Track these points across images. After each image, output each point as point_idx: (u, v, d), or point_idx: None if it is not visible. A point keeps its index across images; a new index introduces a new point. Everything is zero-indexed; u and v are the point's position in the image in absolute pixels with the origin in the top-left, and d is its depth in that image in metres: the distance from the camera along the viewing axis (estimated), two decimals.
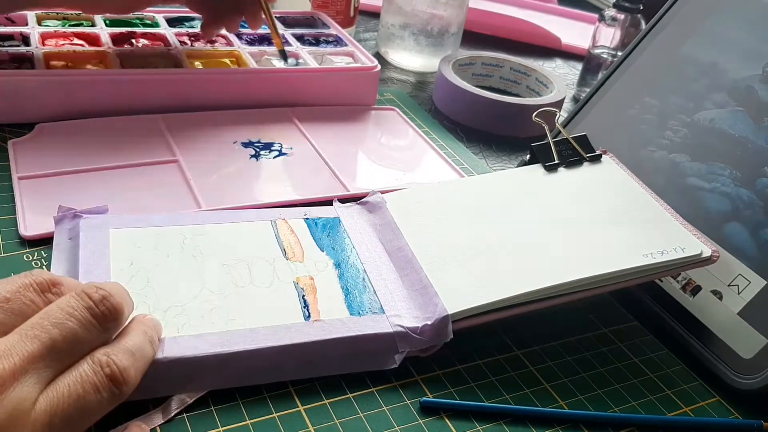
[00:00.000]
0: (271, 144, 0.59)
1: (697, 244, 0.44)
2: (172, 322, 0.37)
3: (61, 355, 0.28)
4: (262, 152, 0.57)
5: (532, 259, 0.43)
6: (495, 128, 0.70)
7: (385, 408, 0.38)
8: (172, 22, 0.71)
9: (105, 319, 0.30)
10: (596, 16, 0.84)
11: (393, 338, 0.39)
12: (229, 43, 0.68)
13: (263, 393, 0.37)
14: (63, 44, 0.63)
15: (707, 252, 0.44)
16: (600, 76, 0.76)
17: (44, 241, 0.44)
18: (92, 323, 0.30)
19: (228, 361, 0.36)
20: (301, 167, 0.57)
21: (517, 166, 0.62)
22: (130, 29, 0.67)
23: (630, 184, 0.50)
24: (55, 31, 0.64)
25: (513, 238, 0.45)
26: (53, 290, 0.31)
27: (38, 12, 0.67)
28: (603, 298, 0.48)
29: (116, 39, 0.65)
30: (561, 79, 0.79)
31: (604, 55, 0.80)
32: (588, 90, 0.68)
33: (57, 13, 0.68)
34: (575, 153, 0.52)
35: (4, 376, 0.26)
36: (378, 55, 0.84)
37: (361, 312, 0.40)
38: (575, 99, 0.82)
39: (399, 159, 0.62)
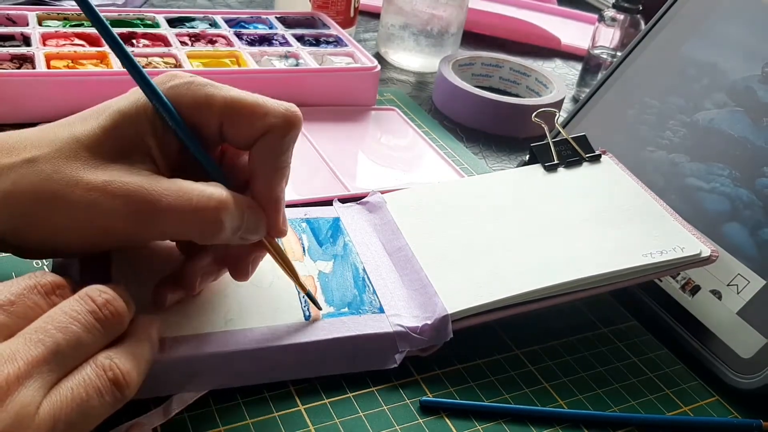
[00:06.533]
0: None
1: (697, 244, 0.44)
2: (173, 322, 0.37)
3: (64, 359, 0.28)
4: None
5: (531, 258, 0.43)
6: (495, 128, 0.70)
7: (385, 408, 0.38)
8: (173, 22, 0.71)
9: (108, 323, 0.30)
10: (596, 16, 0.84)
11: (393, 338, 0.39)
12: (230, 44, 0.68)
13: (263, 393, 0.37)
14: (64, 44, 0.63)
15: (706, 252, 0.44)
16: (599, 76, 0.76)
17: None
18: (96, 327, 0.30)
19: (228, 361, 0.36)
20: (301, 167, 0.57)
21: (517, 166, 0.62)
22: (130, 29, 0.67)
23: (629, 184, 0.50)
24: (56, 32, 0.64)
25: (513, 238, 0.45)
26: (57, 292, 0.31)
27: (39, 12, 0.67)
28: (603, 297, 0.48)
29: None
30: (561, 79, 0.79)
31: (604, 56, 0.81)
32: (587, 90, 0.68)
33: (57, 14, 0.68)
34: (575, 153, 0.52)
35: (9, 381, 0.26)
36: (378, 55, 0.84)
37: (361, 312, 0.40)
38: (575, 99, 0.82)
39: (399, 159, 0.62)
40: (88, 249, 0.35)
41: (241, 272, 0.38)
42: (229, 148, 0.38)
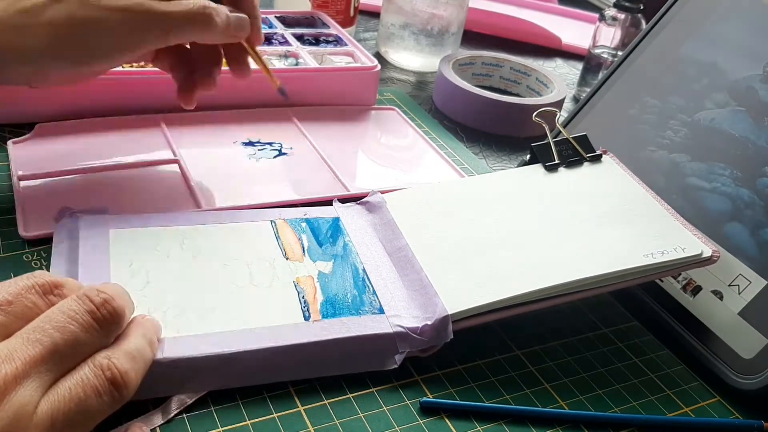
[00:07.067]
0: (271, 144, 0.59)
1: (698, 244, 0.44)
2: (172, 322, 0.37)
3: (62, 358, 0.28)
4: (262, 152, 0.57)
5: (532, 259, 0.43)
6: (495, 128, 0.70)
7: (385, 408, 0.37)
8: None
9: (106, 323, 0.30)
10: (596, 15, 0.84)
11: (393, 338, 0.39)
12: None
13: (263, 393, 0.37)
14: None
15: (707, 252, 0.44)
16: (600, 75, 0.76)
17: (44, 241, 0.44)
18: (93, 327, 0.30)
19: (228, 361, 0.36)
20: (301, 167, 0.57)
21: (517, 166, 0.62)
22: None
23: (630, 184, 0.50)
24: None
25: (513, 238, 0.45)
26: (55, 292, 0.31)
27: None
28: (603, 298, 0.48)
29: None
30: (561, 78, 0.79)
31: (605, 55, 0.80)
32: (588, 90, 0.68)
33: None
34: (575, 153, 0.52)
35: (7, 381, 0.26)
36: (378, 55, 0.84)
37: (360, 312, 0.40)
38: (575, 99, 0.82)
39: (399, 159, 0.62)
40: (117, 58, 0.43)
41: (241, 68, 0.50)
42: None
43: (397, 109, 0.69)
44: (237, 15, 0.46)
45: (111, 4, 0.40)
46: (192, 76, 0.49)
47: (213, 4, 0.44)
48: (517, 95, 0.77)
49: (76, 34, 0.40)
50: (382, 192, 0.50)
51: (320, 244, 0.45)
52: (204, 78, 0.49)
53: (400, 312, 0.41)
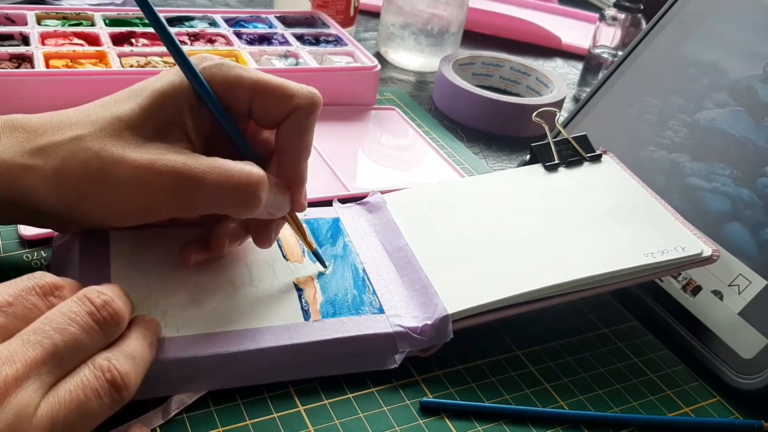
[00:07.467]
0: None
1: (698, 244, 0.44)
2: (172, 322, 0.37)
3: (62, 360, 0.28)
4: None
5: (532, 258, 0.43)
6: (495, 128, 0.70)
7: (385, 408, 0.37)
8: (172, 21, 0.71)
9: (106, 324, 0.30)
10: (597, 15, 0.84)
11: (393, 338, 0.39)
12: (229, 43, 0.68)
13: (263, 393, 0.37)
14: (63, 44, 0.63)
15: (707, 251, 0.44)
16: (600, 75, 0.76)
17: (44, 241, 0.44)
18: (94, 328, 0.30)
19: (228, 361, 0.36)
20: None
21: (517, 166, 0.62)
22: (129, 29, 0.67)
23: (630, 184, 0.50)
24: (55, 31, 0.64)
25: (513, 238, 0.45)
26: (55, 293, 0.31)
27: (38, 12, 0.67)
28: (603, 298, 0.48)
29: (116, 39, 0.65)
30: (561, 78, 0.79)
31: (605, 55, 0.80)
32: (588, 90, 0.68)
33: (56, 13, 0.68)
34: (575, 153, 0.52)
35: (7, 383, 0.26)
36: (378, 55, 0.84)
37: (360, 312, 0.40)
38: (575, 99, 0.82)
39: (399, 159, 0.62)
40: (133, 221, 0.37)
41: (265, 240, 0.40)
42: (251, 125, 0.40)
43: (397, 109, 0.69)
44: (280, 191, 0.38)
45: (130, 156, 0.34)
46: (222, 226, 0.40)
47: (260, 173, 0.35)
48: (517, 95, 0.77)
49: (80, 185, 0.34)
50: (382, 192, 0.50)
51: (320, 245, 0.45)
52: (236, 231, 0.40)
53: (400, 312, 0.41)
